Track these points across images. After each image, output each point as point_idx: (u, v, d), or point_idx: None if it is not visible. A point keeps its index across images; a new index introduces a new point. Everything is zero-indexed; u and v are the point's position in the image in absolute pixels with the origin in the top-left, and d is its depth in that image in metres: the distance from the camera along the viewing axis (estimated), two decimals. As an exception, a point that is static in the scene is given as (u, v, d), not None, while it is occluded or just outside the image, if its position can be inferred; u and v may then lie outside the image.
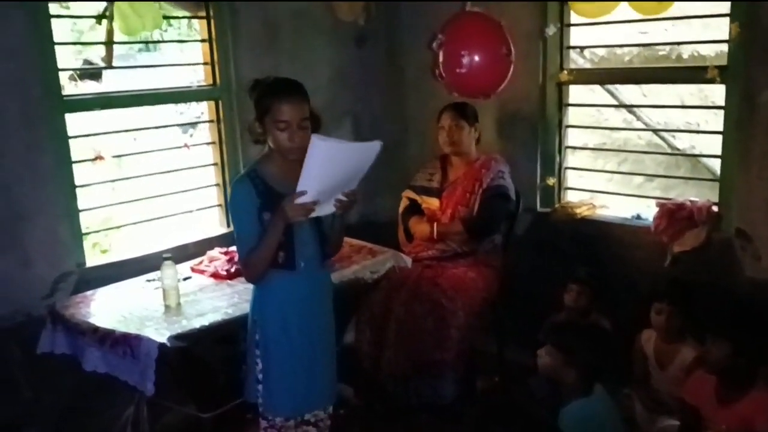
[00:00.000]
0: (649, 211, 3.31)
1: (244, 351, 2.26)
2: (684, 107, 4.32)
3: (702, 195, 3.24)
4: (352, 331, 3.28)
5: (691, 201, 3.10)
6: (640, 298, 2.95)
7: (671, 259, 3.08)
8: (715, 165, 3.49)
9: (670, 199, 3.27)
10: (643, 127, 4.65)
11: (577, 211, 3.49)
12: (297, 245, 2.10)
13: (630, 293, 3.21)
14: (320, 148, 1.84)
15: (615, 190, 3.81)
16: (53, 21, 2.83)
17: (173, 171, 3.46)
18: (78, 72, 6.49)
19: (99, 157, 3.11)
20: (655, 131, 4.53)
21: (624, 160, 4.58)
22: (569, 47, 3.56)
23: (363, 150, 1.97)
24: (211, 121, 3.54)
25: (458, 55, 2.27)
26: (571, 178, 3.74)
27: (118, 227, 3.60)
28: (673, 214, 3.06)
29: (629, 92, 4.49)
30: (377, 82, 4.09)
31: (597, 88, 4.33)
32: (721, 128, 3.11)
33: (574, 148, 3.77)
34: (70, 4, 3.29)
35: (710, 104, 4.14)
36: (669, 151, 4.61)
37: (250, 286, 2.21)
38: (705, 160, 4.32)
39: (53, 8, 2.88)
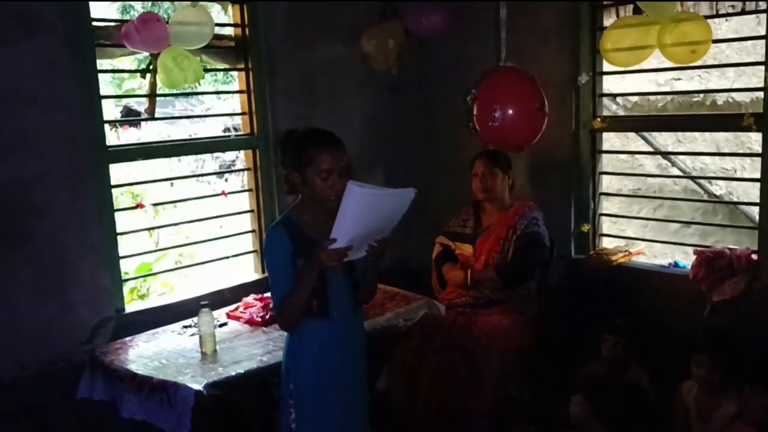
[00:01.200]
0: (686, 259, 3.26)
1: (278, 398, 2.26)
2: (720, 154, 4.27)
3: (741, 243, 3.19)
4: (384, 378, 3.26)
5: (729, 249, 3.04)
6: (680, 348, 2.89)
7: (710, 309, 3.02)
8: (754, 212, 3.43)
9: (708, 246, 3.22)
10: (679, 173, 4.60)
11: (613, 258, 3.46)
12: (330, 293, 2.11)
13: (668, 343, 3.14)
14: (356, 194, 1.87)
15: (651, 237, 3.77)
16: (100, 75, 2.96)
17: (210, 218, 3.53)
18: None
19: (139, 205, 3.20)
20: (692, 178, 4.48)
21: (660, 207, 4.52)
22: (602, 95, 3.58)
23: (398, 197, 2.00)
24: (248, 169, 3.62)
25: (491, 109, 2.31)
26: (606, 225, 3.72)
27: (156, 274, 3.67)
28: (711, 263, 3.01)
29: (664, 137, 4.47)
30: (410, 130, 4.15)
31: (631, 133, 4.32)
32: (758, 175, 3.07)
33: (608, 194, 3.75)
34: (117, 61, 3.43)
35: (747, 151, 4.10)
36: (706, 197, 4.55)
37: (285, 334, 2.23)
38: (743, 207, 4.25)
39: (101, 63, 3.01)
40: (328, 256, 1.97)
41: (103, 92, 3.00)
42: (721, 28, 4.05)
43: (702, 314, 3.03)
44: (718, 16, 3.23)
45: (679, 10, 3.03)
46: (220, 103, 8.01)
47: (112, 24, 3.08)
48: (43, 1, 2.72)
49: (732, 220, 4.36)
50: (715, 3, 3.80)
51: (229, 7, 3.28)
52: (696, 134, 4.46)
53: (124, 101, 8.33)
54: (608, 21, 3.51)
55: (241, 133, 3.63)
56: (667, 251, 3.45)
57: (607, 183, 3.72)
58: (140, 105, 7.54)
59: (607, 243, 3.67)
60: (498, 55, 2.62)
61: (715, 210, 4.54)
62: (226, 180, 7.69)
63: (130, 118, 7.36)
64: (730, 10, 3.31)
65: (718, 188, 4.51)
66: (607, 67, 3.45)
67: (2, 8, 2.62)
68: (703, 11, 3.83)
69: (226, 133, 7.08)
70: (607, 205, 3.76)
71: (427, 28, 3.72)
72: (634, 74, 3.46)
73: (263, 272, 3.54)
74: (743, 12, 3.25)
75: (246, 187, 3.66)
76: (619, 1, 3.68)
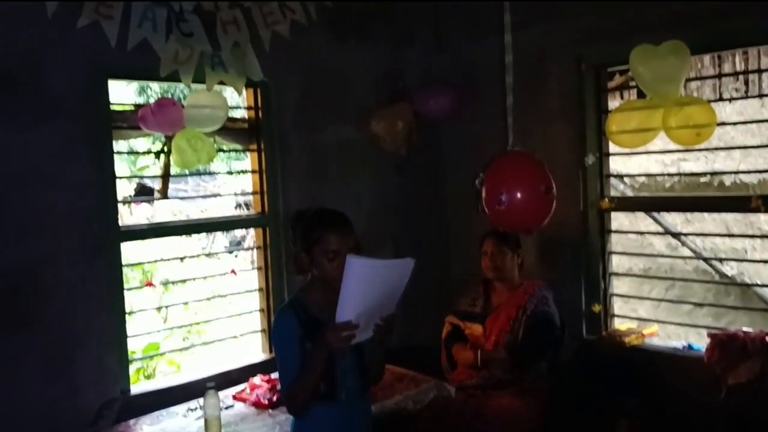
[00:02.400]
0: (700, 341, 3.20)
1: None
2: (730, 236, 4.27)
3: (754, 324, 3.15)
4: (394, 463, 3.18)
5: (743, 331, 3.00)
6: (696, 433, 2.81)
7: (726, 392, 2.95)
8: (767, 293, 3.40)
9: (721, 328, 3.18)
10: (690, 253, 4.59)
11: (626, 339, 3.40)
12: (338, 375, 2.08)
13: (685, 428, 3.05)
14: (356, 266, 1.87)
15: (663, 317, 3.73)
16: (115, 156, 3.02)
17: (219, 296, 3.53)
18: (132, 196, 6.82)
19: (149, 284, 3.21)
20: (703, 259, 4.47)
21: (671, 286, 4.49)
22: (609, 175, 3.62)
23: (397, 267, 2.00)
24: (258, 247, 3.64)
25: (498, 193, 2.35)
26: (618, 305, 3.68)
27: (163, 354, 3.64)
28: (725, 345, 2.96)
29: (672, 216, 4.48)
30: (419, 209, 4.18)
31: (640, 212, 4.34)
32: (769, 256, 3.06)
33: (619, 274, 3.74)
34: (133, 142, 3.52)
35: (756, 232, 4.10)
36: (717, 278, 4.52)
37: (292, 417, 2.18)
38: (756, 288, 4.21)
39: (116, 144, 3.08)
40: (336, 338, 1.95)
41: (117, 170, 3.05)
42: (726, 110, 4.12)
43: (718, 397, 2.96)
44: (721, 99, 3.31)
45: (683, 94, 3.09)
46: (233, 178, 8.14)
47: (130, 108, 3.17)
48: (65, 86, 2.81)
49: (744, 300, 4.31)
50: (718, 86, 3.91)
51: (243, 91, 3.38)
52: (705, 214, 4.47)
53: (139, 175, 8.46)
54: (613, 103, 3.60)
55: (252, 212, 3.67)
56: (680, 332, 3.40)
57: (617, 262, 3.71)
58: (154, 180, 7.66)
59: (618, 323, 3.62)
60: (505, 138, 2.67)
61: (728, 291, 4.50)
62: (236, 256, 7.72)
63: (143, 197, 7.46)
64: (734, 94, 3.41)
65: (730, 269, 4.48)
66: (613, 148, 3.50)
67: (23, 94, 2.71)
68: (707, 95, 3.93)
69: (238, 210, 7.16)
70: (617, 285, 3.74)
71: (436, 110, 3.82)
72: (641, 155, 3.50)
73: (271, 352, 3.50)
74: (747, 96, 3.35)
75: (256, 265, 3.67)
76: (623, 86, 3.79)
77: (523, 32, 3.14)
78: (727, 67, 3.82)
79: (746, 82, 3.84)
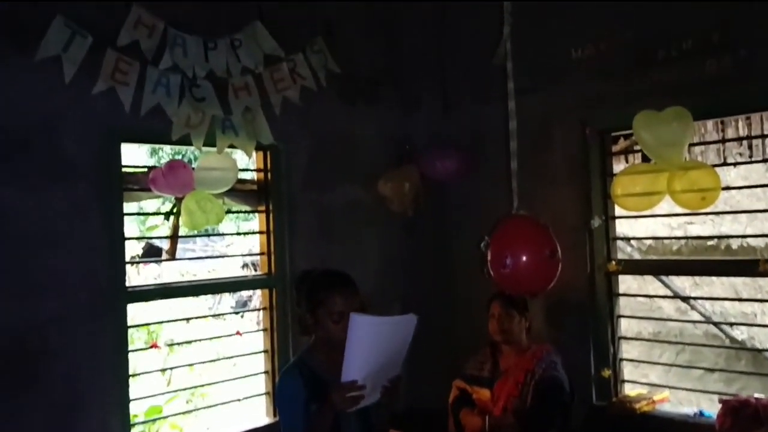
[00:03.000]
0: (711, 406, 3.14)
1: None
2: (739, 300, 4.24)
3: (766, 389, 3.09)
4: None
5: (756, 398, 2.94)
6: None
7: (740, 461, 2.87)
8: (778, 358, 3.35)
9: (733, 394, 3.11)
10: (699, 317, 4.55)
11: (636, 406, 3.34)
12: (344, 438, 2.05)
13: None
14: (360, 324, 1.87)
15: (674, 382, 3.67)
16: (125, 218, 3.05)
17: (223, 358, 3.51)
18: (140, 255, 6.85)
19: (154, 345, 3.19)
20: (713, 323, 4.42)
21: (682, 350, 4.44)
22: (615, 238, 3.62)
23: (401, 324, 1.99)
24: (264, 309, 3.63)
25: (503, 257, 2.36)
26: (628, 369, 3.62)
27: (166, 417, 3.59)
28: (737, 412, 2.90)
29: (681, 279, 4.46)
30: (426, 270, 4.18)
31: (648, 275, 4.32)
32: (779, 321, 3.03)
33: (628, 338, 3.69)
34: (143, 203, 3.56)
35: (765, 296, 4.07)
36: (728, 342, 4.46)
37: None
38: (767, 352, 4.15)
39: (126, 206, 3.12)
40: (341, 398, 1.93)
41: (126, 230, 3.07)
42: (730, 174, 4.15)
43: (733, 468, 2.88)
44: (726, 164, 3.34)
45: (687, 159, 3.12)
46: (241, 238, 8.18)
47: (141, 170, 3.22)
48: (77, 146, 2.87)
49: (756, 365, 4.25)
50: (722, 151, 3.95)
51: (253, 153, 3.44)
52: (713, 277, 4.45)
53: (147, 234, 8.51)
54: (618, 167, 3.63)
55: (259, 272, 3.67)
56: (691, 398, 3.34)
57: (626, 326, 3.67)
58: (162, 241, 7.71)
59: (629, 389, 3.56)
60: (511, 200, 2.70)
61: (738, 355, 4.43)
62: (242, 316, 7.68)
63: (151, 258, 7.49)
64: (738, 158, 3.44)
65: (740, 333, 4.43)
66: (619, 211, 3.52)
67: (37, 156, 2.76)
68: (711, 159, 3.97)
69: (245, 269, 7.17)
70: (627, 349, 3.69)
71: (442, 173, 3.87)
72: (647, 218, 3.50)
73: (275, 416, 3.45)
74: (751, 160, 3.38)
75: (261, 326, 3.66)
76: (628, 149, 3.83)
77: (527, 97, 3.21)
78: (730, 132, 3.87)
79: (750, 147, 3.88)
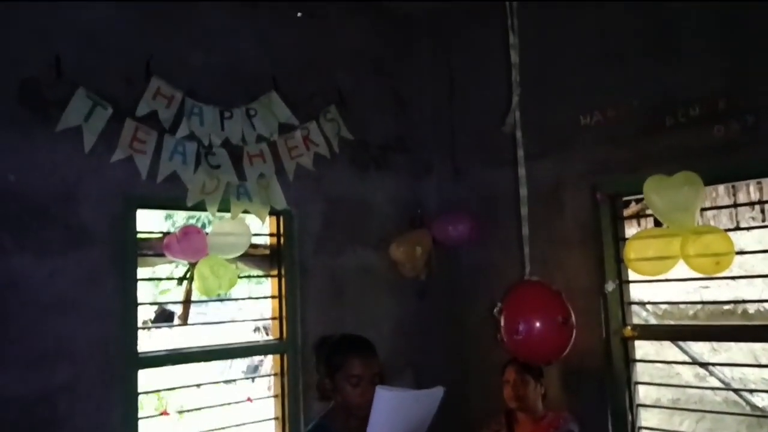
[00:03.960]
0: (737, 479, 3.04)
1: None
2: (759, 366, 4.15)
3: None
4: None
5: (782, 469, 2.85)
6: None
7: None
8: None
9: (758, 466, 3.02)
10: (718, 384, 4.45)
11: (657, 477, 3.24)
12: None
13: None
14: (385, 399, 1.85)
15: (696, 452, 3.55)
16: (139, 283, 3.07)
17: (234, 426, 3.45)
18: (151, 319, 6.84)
19: (164, 413, 3.15)
20: (734, 390, 4.32)
21: (702, 418, 4.32)
22: (630, 303, 3.59)
23: (426, 397, 1.97)
24: (275, 374, 3.59)
25: (515, 323, 2.35)
26: (647, 439, 3.52)
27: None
28: (764, 485, 2.80)
29: (699, 345, 4.38)
30: (439, 334, 4.14)
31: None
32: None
33: (646, 405, 3.60)
34: (156, 268, 3.58)
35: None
36: (749, 409, 4.35)
37: None
38: (791, 419, 4.04)
39: (141, 272, 3.14)
40: None
41: (139, 296, 3.06)
42: (744, 238, 4.13)
43: None
44: (739, 228, 3.33)
45: (699, 223, 3.11)
46: (253, 302, 8.18)
47: (156, 236, 3.25)
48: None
49: (781, 434, 4.12)
50: (735, 215, 3.94)
51: (267, 218, 3.48)
52: (731, 342, 4.37)
53: (160, 297, 8.53)
54: (630, 230, 3.62)
55: (270, 336, 3.65)
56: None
57: (644, 393, 3.60)
58: (175, 305, 7.71)
59: (649, 459, 3.45)
60: (523, 266, 2.69)
61: (760, 423, 4.31)
62: (253, 381, 7.60)
63: (163, 324, 7.49)
64: (751, 222, 3.42)
65: (761, 400, 4.32)
66: (633, 275, 3.49)
67: (54, 223, 2.80)
68: (724, 223, 3.96)
69: (256, 333, 7.13)
70: (646, 417, 3.59)
71: (454, 237, 3.88)
72: (663, 282, 3.47)
73: (285, 486, 3.37)
74: (764, 224, 3.36)
75: (272, 392, 3.61)
76: (640, 213, 3.83)
77: (537, 163, 3.24)
78: (742, 197, 3.88)
79: (762, 211, 3.88)
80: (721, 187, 3.95)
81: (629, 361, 3.52)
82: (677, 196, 2.93)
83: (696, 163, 3.03)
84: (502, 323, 2.45)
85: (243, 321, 5.42)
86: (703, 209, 3.29)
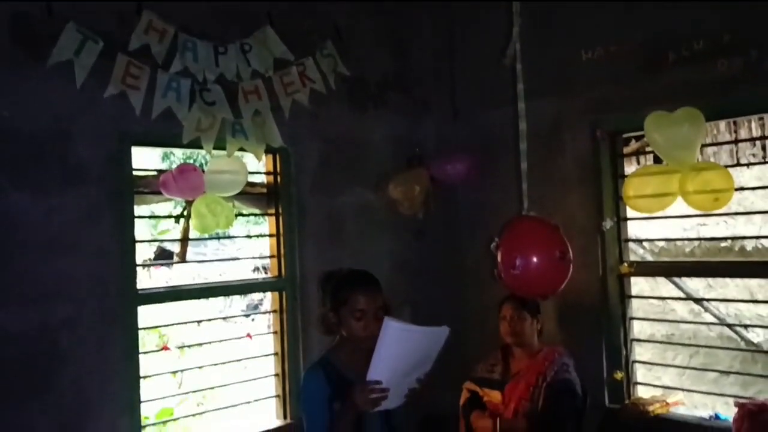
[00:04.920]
0: (727, 410, 3.10)
1: None
2: (754, 302, 4.19)
3: (783, 393, 3.05)
4: None
5: (773, 401, 2.90)
6: None
7: (758, 468, 2.83)
8: (795, 361, 3.31)
9: (749, 398, 3.08)
10: (713, 320, 4.50)
11: (650, 408, 3.31)
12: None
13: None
14: (393, 330, 1.87)
15: (688, 385, 3.62)
16: (136, 221, 3.06)
17: (234, 361, 3.51)
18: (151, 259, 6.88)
19: (165, 348, 3.20)
20: (727, 325, 4.38)
21: (695, 353, 4.39)
22: (627, 240, 3.60)
23: (432, 335, 1.99)
24: (274, 311, 3.63)
25: (512, 258, 2.35)
26: (641, 372, 3.59)
27: (177, 419, 3.60)
28: (754, 417, 2.85)
29: (694, 281, 4.42)
30: (436, 273, 4.17)
31: (660, 277, 4.29)
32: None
33: (641, 340, 3.66)
34: (155, 207, 3.57)
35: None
36: (743, 344, 4.41)
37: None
38: (783, 354, 4.11)
39: (138, 209, 3.13)
40: (364, 398, 1.93)
41: (137, 235, 3.08)
42: (744, 175, 4.12)
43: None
44: (739, 165, 3.31)
45: (699, 160, 3.09)
46: (252, 242, 8.21)
47: (152, 174, 3.23)
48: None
49: (773, 368, 4.20)
50: (735, 152, 3.91)
51: (263, 157, 3.45)
52: (727, 279, 4.40)
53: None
54: (629, 168, 3.60)
55: (269, 275, 3.68)
56: (706, 401, 3.30)
57: (638, 328, 3.65)
58: (173, 244, 7.74)
59: (642, 392, 3.53)
60: (521, 202, 2.68)
61: (755, 358, 4.38)
62: (253, 319, 7.69)
63: (162, 261, 7.53)
64: (752, 159, 3.40)
65: (756, 336, 4.38)
66: (631, 213, 3.49)
67: (49, 161, 2.78)
68: (724, 160, 3.93)
69: (256, 273, 7.18)
70: (640, 351, 3.66)
71: (452, 176, 3.86)
72: (660, 219, 3.48)
73: (285, 418, 3.45)
74: (765, 161, 3.34)
75: (272, 329, 3.66)
76: (640, 151, 3.80)
77: (537, 100, 3.19)
78: (743, 133, 3.84)
79: (763, 147, 3.84)
80: (722, 124, 3.90)
81: (625, 297, 3.56)
82: (678, 133, 2.90)
83: (698, 99, 2.99)
84: (499, 258, 2.45)
85: (241, 259, 5.42)
86: (704, 146, 3.27)
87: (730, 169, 2.94)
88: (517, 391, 3.22)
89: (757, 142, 3.87)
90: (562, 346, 3.35)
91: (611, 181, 3.52)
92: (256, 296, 8.11)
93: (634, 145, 3.89)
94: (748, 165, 3.49)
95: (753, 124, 3.83)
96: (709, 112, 2.95)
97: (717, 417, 3.20)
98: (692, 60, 3.16)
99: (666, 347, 4.33)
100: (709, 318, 4.47)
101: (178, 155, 7.39)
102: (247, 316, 7.70)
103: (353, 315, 2.06)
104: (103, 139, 2.91)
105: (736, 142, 3.98)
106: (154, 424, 3.50)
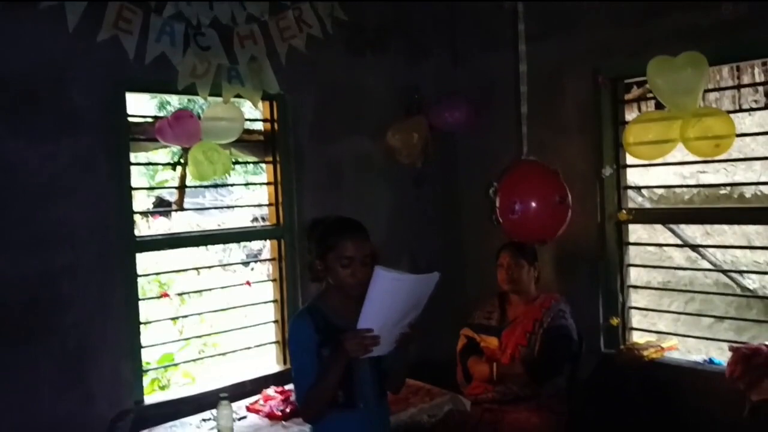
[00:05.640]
0: (721, 355, 3.15)
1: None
2: (751, 248, 4.21)
3: (778, 338, 3.08)
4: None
5: (766, 345, 2.93)
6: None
7: (750, 409, 2.88)
8: (790, 306, 3.34)
9: (743, 342, 3.11)
10: (709, 266, 4.53)
11: (644, 353, 3.35)
12: (357, 384, 2.06)
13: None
14: (383, 279, 1.87)
15: (683, 331, 3.66)
16: (133, 167, 3.04)
17: (233, 308, 3.54)
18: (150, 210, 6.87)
19: (164, 295, 3.22)
20: (723, 272, 4.40)
21: (691, 300, 4.43)
22: (626, 187, 3.59)
23: (422, 282, 1.99)
24: (273, 259, 3.65)
25: (511, 203, 2.33)
26: (636, 318, 3.63)
27: (177, 365, 3.65)
28: (748, 360, 2.89)
29: (692, 229, 4.43)
30: (434, 221, 4.18)
31: (658, 224, 4.29)
32: (792, 269, 3.00)
33: (637, 287, 3.69)
34: (153, 156, 3.55)
35: (778, 244, 4.04)
36: (739, 291, 4.45)
37: (305, 429, 2.17)
38: (778, 300, 4.14)
39: (134, 156, 3.11)
40: (354, 345, 1.93)
41: (135, 183, 3.07)
42: (745, 121, 4.08)
43: (741, 414, 2.89)
44: (741, 110, 3.27)
45: (701, 105, 3.05)
46: (250, 191, 8.20)
47: (147, 120, 3.20)
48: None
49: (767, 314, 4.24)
50: (737, 98, 3.87)
51: (260, 104, 3.40)
52: (725, 226, 4.41)
53: (157, 191, 8.55)
54: (630, 115, 3.57)
55: (267, 223, 3.67)
56: (701, 346, 3.34)
57: (635, 275, 3.67)
58: (172, 194, 7.73)
59: (637, 337, 3.58)
60: (520, 149, 2.67)
61: (750, 304, 4.42)
62: (252, 268, 7.74)
63: (159, 209, 7.52)
64: (754, 105, 3.36)
65: (751, 282, 4.41)
66: (630, 160, 3.47)
67: (43, 107, 2.75)
68: (726, 106, 3.89)
69: (254, 222, 7.19)
70: (636, 298, 3.69)
71: (451, 123, 3.82)
72: (659, 166, 3.46)
73: (285, 363, 3.50)
74: (767, 107, 3.30)
75: (270, 277, 3.68)
76: (641, 97, 3.76)
77: (538, 44, 3.14)
78: (746, 78, 3.79)
79: (766, 94, 3.80)
80: (725, 69, 3.85)
81: (622, 244, 3.58)
82: (681, 78, 2.86)
83: (701, 43, 2.94)
84: (498, 203, 2.44)
85: (239, 207, 5.41)
86: (706, 91, 3.23)
87: (731, 116, 2.90)
88: (513, 337, 3.26)
89: (760, 88, 3.83)
90: (559, 293, 3.38)
91: (612, 127, 3.49)
92: (255, 246, 8.14)
93: (635, 92, 3.84)
94: (749, 111, 3.45)
95: (756, 70, 3.78)
96: (712, 57, 2.89)
97: (711, 361, 3.25)
98: (696, 3, 3.09)
99: (662, 294, 4.36)
100: (706, 265, 4.49)
101: (175, 104, 7.32)
102: (246, 264, 7.76)
103: (340, 262, 2.05)
104: (96, 85, 2.87)
105: (738, 87, 3.94)
106: (155, 369, 3.55)
